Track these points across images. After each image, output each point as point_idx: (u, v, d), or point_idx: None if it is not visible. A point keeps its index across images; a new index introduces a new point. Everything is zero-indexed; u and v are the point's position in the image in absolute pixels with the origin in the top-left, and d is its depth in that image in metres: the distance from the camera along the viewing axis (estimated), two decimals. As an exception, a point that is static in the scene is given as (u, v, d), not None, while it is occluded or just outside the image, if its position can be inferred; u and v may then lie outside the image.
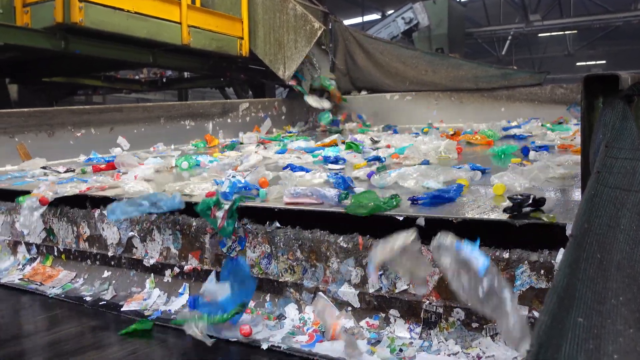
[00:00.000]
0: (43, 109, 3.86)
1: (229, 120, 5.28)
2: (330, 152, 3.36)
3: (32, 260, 2.44)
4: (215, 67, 6.05)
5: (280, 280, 1.77)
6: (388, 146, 3.59)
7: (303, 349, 1.54)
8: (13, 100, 6.37)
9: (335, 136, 4.10)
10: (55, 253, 2.37)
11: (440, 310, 1.50)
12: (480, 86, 5.69)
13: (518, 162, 2.55)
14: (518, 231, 1.42)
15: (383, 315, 1.60)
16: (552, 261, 1.35)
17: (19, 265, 2.45)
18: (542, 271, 1.37)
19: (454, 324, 1.48)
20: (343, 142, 3.74)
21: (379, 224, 1.63)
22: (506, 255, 1.41)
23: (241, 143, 4.56)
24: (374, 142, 3.91)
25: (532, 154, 2.86)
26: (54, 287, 2.17)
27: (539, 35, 18.98)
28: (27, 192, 2.48)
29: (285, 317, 1.72)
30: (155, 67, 6.63)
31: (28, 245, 2.47)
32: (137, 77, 7.98)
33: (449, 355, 1.44)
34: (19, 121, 3.54)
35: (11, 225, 2.53)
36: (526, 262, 1.39)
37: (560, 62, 20.22)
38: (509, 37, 17.64)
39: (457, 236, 1.49)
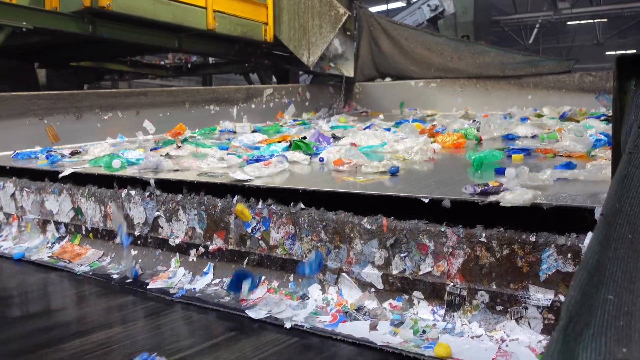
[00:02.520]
0: (71, 91, 3.92)
1: (253, 106, 5.29)
2: (266, 152, 2.79)
3: (61, 238, 2.49)
4: (240, 52, 6.06)
5: (304, 260, 1.78)
6: (353, 144, 2.84)
7: (326, 328, 1.55)
8: (42, 84, 6.48)
9: (295, 130, 3.73)
10: (83, 232, 2.42)
11: (464, 292, 1.50)
12: (507, 73, 5.61)
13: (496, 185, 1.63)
14: (545, 215, 1.41)
15: (406, 297, 1.60)
16: (580, 245, 1.33)
17: (48, 243, 2.50)
18: (569, 255, 1.35)
19: (477, 306, 1.48)
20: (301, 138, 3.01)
21: (403, 206, 1.63)
22: (532, 238, 1.40)
23: (234, 132, 4.24)
24: (336, 138, 3.30)
25: (509, 172, 1.75)
26: (81, 265, 2.22)
27: (568, 23, 18.61)
28: (56, 173, 2.54)
29: (309, 298, 1.73)
30: (181, 52, 6.66)
31: (57, 224, 2.52)
32: (162, 62, 8.03)
33: (472, 337, 1.44)
34: (48, 103, 3.60)
35: (41, 205, 2.58)
36: (553, 245, 1.37)
37: (589, 52, 19.81)
38: (537, 26, 17.33)
39: (484, 219, 1.49)
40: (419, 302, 1.57)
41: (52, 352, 1.48)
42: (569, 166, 1.98)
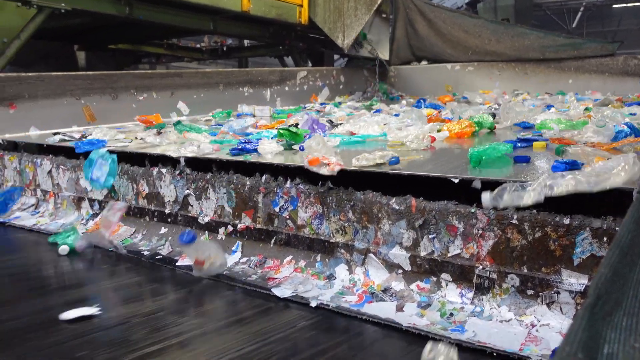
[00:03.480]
0: (108, 72, 3.98)
1: (286, 89, 5.28)
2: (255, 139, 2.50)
3: (95, 215, 2.54)
4: (275, 35, 6.05)
5: (331, 240, 1.77)
6: (352, 133, 2.67)
7: (352, 308, 1.54)
8: (81, 66, 6.60)
9: (298, 116, 3.28)
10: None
11: (494, 275, 1.46)
12: (547, 56, 5.45)
13: None
14: (580, 197, 1.35)
15: (434, 279, 1.57)
16: (616, 228, 1.28)
17: (82, 220, 2.55)
18: (604, 238, 1.30)
19: (507, 290, 1.44)
20: (294, 125, 2.74)
21: (432, 186, 1.59)
22: (566, 221, 1.35)
23: (253, 115, 4.07)
24: (333, 125, 2.98)
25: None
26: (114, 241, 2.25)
27: (614, 6, 17.96)
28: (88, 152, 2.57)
29: (335, 278, 1.72)
30: (216, 34, 6.68)
31: (91, 201, 2.57)
32: (198, 45, 8.08)
33: (501, 322, 1.41)
34: (85, 84, 3.65)
35: (76, 182, 2.63)
36: (588, 228, 1.32)
37: (636, 36, 19.09)
38: (581, 9, 16.79)
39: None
40: (447, 285, 1.54)
41: (90, 322, 1.52)
42: (572, 165, 1.59)
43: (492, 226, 1.45)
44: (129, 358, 1.29)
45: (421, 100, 4.67)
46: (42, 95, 3.40)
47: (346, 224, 1.73)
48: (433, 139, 2.35)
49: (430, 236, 1.56)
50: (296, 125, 2.66)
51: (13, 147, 3.13)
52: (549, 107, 3.72)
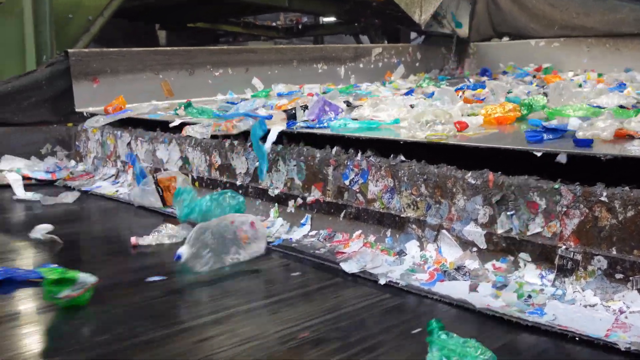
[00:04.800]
0: (185, 48, 4.05)
1: (360, 65, 5.19)
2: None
3: (170, 186, 2.59)
4: (351, 11, 5.96)
5: (402, 215, 1.71)
6: (371, 119, 2.21)
7: (422, 287, 1.48)
8: (162, 45, 6.80)
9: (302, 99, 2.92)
10: (190, 180, 2.50)
11: (579, 257, 1.35)
12: (644, 31, 5.04)
13: None
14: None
15: (512, 258, 1.48)
16: None
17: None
18: None
19: (593, 273, 1.33)
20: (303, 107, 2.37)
21: (511, 160, 1.50)
22: (664, 199, 1.23)
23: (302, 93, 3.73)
24: (350, 106, 2.49)
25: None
26: (187, 212, 2.29)
27: None
28: (167, 123, 2.63)
29: (406, 254, 1.66)
30: (291, 11, 6.67)
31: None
32: (274, 24, 8.11)
33: (585, 306, 1.30)
34: (164, 59, 3.74)
35: (152, 154, 2.70)
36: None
37: None
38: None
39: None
40: (525, 265, 1.45)
41: (161, 284, 1.56)
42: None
43: (577, 203, 1.34)
44: (203, 320, 1.31)
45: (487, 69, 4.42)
46: (123, 70, 3.50)
47: (418, 199, 1.67)
48: (463, 126, 1.88)
49: (508, 213, 1.47)
50: (305, 107, 2.33)
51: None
52: (620, 86, 3.04)
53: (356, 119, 2.11)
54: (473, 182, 1.53)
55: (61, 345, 1.21)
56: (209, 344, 1.19)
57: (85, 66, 3.35)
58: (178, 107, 2.86)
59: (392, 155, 1.74)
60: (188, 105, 2.77)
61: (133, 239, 1.89)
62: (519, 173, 1.47)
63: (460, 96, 2.71)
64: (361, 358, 1.13)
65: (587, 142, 1.49)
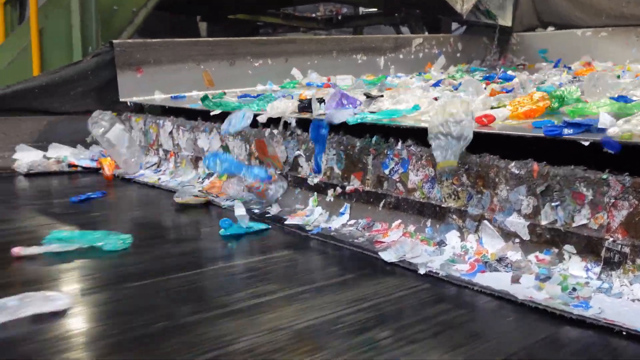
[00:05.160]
0: (226, 38, 4.08)
1: (400, 56, 5.14)
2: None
3: (210, 174, 2.62)
4: (391, 1, 5.90)
5: (442, 205, 1.69)
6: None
7: (463, 277, 1.46)
8: (203, 37, 6.88)
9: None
10: (230, 168, 2.52)
11: (627, 250, 1.31)
12: (699, 19, 4.84)
13: None
14: None
15: (556, 250, 1.45)
16: None
17: (199, 178, 2.66)
18: None
19: (642, 266, 1.29)
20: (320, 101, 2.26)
21: (557, 150, 1.46)
22: None
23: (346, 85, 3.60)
24: (370, 98, 2.30)
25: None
26: (227, 200, 2.31)
27: None
28: (208, 112, 2.66)
29: (446, 244, 1.64)
30: (331, 1, 6.65)
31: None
32: (313, 15, 8.10)
33: (633, 300, 1.26)
34: (205, 50, 3.78)
35: (194, 142, 2.74)
36: None
37: None
38: None
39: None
40: (570, 257, 1.42)
41: (202, 272, 1.59)
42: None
43: (627, 194, 1.30)
44: (240, 305, 1.32)
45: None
46: (166, 61, 3.56)
47: (459, 189, 1.64)
48: (489, 120, 1.76)
49: (553, 204, 1.44)
50: (322, 99, 2.23)
51: (139, 109, 3.33)
52: None
53: (374, 112, 2.04)
54: (517, 172, 1.50)
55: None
56: (245, 329, 1.20)
57: (129, 57, 3.41)
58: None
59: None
60: (205, 98, 2.80)
61: None
62: (558, 164, 1.43)
63: (485, 87, 2.56)
64: (400, 347, 1.13)
65: (616, 146, 1.34)
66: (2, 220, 2.13)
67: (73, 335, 1.19)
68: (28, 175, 2.90)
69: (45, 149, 3.15)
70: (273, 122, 2.31)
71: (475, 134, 1.61)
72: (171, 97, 3.32)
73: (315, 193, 2.09)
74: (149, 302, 1.36)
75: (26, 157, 3.04)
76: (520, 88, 2.50)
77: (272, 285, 1.46)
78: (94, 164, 3.07)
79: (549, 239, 1.45)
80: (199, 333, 1.17)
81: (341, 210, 1.97)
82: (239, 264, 1.66)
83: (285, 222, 1.97)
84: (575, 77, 3.09)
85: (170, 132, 2.90)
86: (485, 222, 1.58)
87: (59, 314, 1.26)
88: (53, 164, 3.02)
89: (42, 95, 3.23)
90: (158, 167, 2.96)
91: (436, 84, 3.22)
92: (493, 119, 1.77)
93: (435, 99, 2.21)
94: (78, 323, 1.26)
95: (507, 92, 2.41)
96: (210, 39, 3.97)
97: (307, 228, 1.91)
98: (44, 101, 3.24)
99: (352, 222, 1.91)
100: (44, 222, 2.09)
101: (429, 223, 1.72)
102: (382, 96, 2.32)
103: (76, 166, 3.04)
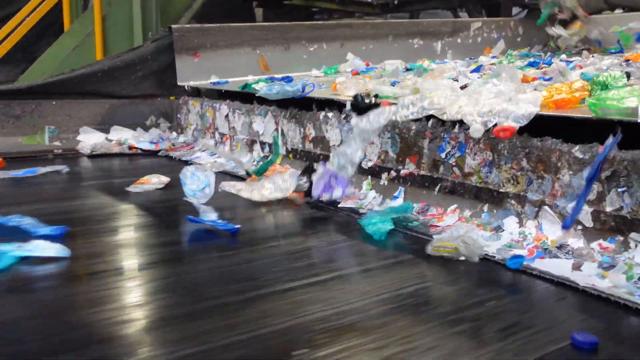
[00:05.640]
0: (281, 23, 4.09)
1: (458, 40, 5.02)
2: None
3: (265, 158, 2.65)
4: (449, -16, 5.76)
5: (500, 190, 1.65)
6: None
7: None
8: (259, 23, 6.93)
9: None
10: (284, 152, 2.54)
11: (699, 239, 1.24)
12: None
13: None
14: None
15: (621, 238, 1.38)
16: None
17: (253, 161, 2.68)
18: None
19: None
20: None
21: (627, 133, 1.39)
22: None
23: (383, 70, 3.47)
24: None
25: None
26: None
27: None
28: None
29: (503, 230, 1.60)
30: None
31: (262, 144, 2.68)
32: (369, 0, 8.01)
33: (703, 292, 1.20)
34: (261, 34, 3.80)
35: (249, 126, 2.77)
36: None
37: None
38: None
39: None
40: (636, 246, 1.35)
41: (264, 248, 1.63)
42: None
43: (701, 180, 1.23)
44: (293, 284, 1.33)
45: None
46: (222, 45, 3.60)
47: (519, 173, 1.59)
48: (507, 133, 1.58)
49: (619, 190, 1.37)
50: (311, 170, 2.11)
51: (196, 93, 3.38)
52: None
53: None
54: (581, 156, 1.44)
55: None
56: (304, 306, 1.21)
57: (187, 41, 3.47)
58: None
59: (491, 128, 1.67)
60: (246, 86, 2.84)
61: None
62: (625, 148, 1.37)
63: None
64: (452, 327, 1.11)
65: None
66: (67, 198, 2.22)
67: (130, 306, 1.23)
68: (91, 156, 3.01)
69: (107, 131, 3.26)
70: (327, 104, 2.30)
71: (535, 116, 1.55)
72: (211, 82, 3.35)
73: (369, 176, 2.07)
74: (207, 277, 1.39)
75: (89, 139, 3.15)
76: (559, 75, 2.29)
77: (324, 266, 1.46)
78: (152, 147, 3.15)
79: (613, 227, 1.39)
80: (253, 309, 1.19)
81: (395, 194, 1.95)
82: (298, 241, 1.67)
83: (339, 206, 1.96)
84: (627, 62, 2.88)
85: (226, 116, 2.94)
86: (546, 207, 1.53)
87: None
88: (114, 146, 3.12)
89: (105, 79, 3.33)
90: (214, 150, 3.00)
91: (476, 70, 3.11)
92: (513, 131, 1.59)
93: (463, 87, 2.10)
94: (137, 295, 1.30)
95: (544, 80, 2.24)
96: (265, 23, 4.00)
97: (361, 211, 1.90)
98: (106, 85, 3.34)
99: (407, 206, 1.88)
100: (106, 201, 2.16)
101: (485, 208, 1.68)
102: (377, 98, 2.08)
103: (136, 148, 3.13)
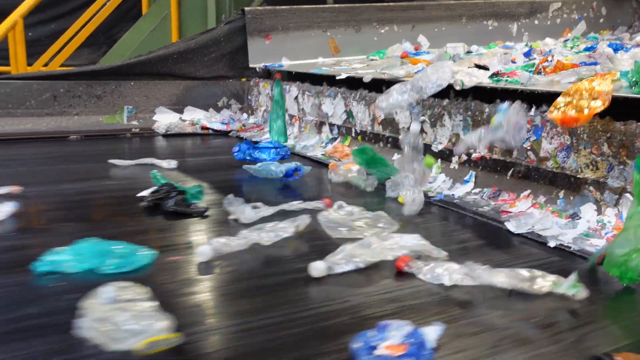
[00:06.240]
0: (352, 5, 4.06)
1: (536, 22, 4.82)
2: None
3: (333, 139, 2.66)
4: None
5: (578, 176, 1.58)
6: None
7: (598, 253, 1.36)
8: (330, 5, 6.90)
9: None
10: (353, 134, 2.54)
11: None
12: None
13: None
14: None
15: None
16: None
17: (322, 143, 2.70)
18: None
19: None
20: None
21: None
22: None
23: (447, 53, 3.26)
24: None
25: None
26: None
27: None
28: (333, 77, 2.68)
29: (580, 218, 1.54)
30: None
31: (331, 125, 2.69)
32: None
33: None
34: (331, 16, 3.79)
35: (318, 107, 2.78)
36: None
37: None
38: None
39: None
40: None
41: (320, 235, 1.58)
42: None
43: None
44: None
45: None
46: (293, 28, 3.62)
47: (599, 159, 1.52)
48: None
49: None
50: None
51: (267, 75, 3.43)
52: None
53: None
54: (668, 141, 1.36)
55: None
56: (366, 287, 1.21)
57: (259, 23, 3.51)
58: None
59: (571, 111, 1.60)
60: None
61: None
62: None
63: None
64: (529, 318, 1.08)
65: None
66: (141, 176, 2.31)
67: (197, 280, 1.27)
68: (165, 135, 3.12)
69: (181, 111, 3.36)
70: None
71: (614, 99, 1.47)
72: (264, 65, 3.35)
73: (439, 160, 2.04)
74: (274, 255, 1.41)
75: (164, 119, 3.26)
76: (607, 61, 2.04)
77: None
78: (224, 127, 3.23)
79: (703, 217, 1.30)
80: (319, 287, 1.21)
81: (466, 177, 1.91)
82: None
83: (406, 188, 1.94)
84: None
85: (296, 97, 2.96)
86: (628, 195, 1.45)
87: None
88: (188, 126, 3.21)
89: (180, 61, 3.42)
90: (283, 131, 3.04)
91: (527, 54, 2.95)
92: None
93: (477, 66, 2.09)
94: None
95: (586, 65, 2.00)
96: (336, 5, 3.97)
97: (429, 194, 1.87)
98: (181, 66, 3.44)
99: (477, 190, 1.84)
100: (179, 178, 2.23)
101: (561, 194, 1.62)
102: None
103: (208, 129, 3.21)
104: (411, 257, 1.27)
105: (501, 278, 1.16)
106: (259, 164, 2.17)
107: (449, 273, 1.20)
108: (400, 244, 1.33)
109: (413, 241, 1.34)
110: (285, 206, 1.69)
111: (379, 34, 3.98)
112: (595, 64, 2.02)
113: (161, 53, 3.42)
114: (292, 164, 2.09)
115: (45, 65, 4.93)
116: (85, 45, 5.33)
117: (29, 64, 4.62)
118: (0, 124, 2.99)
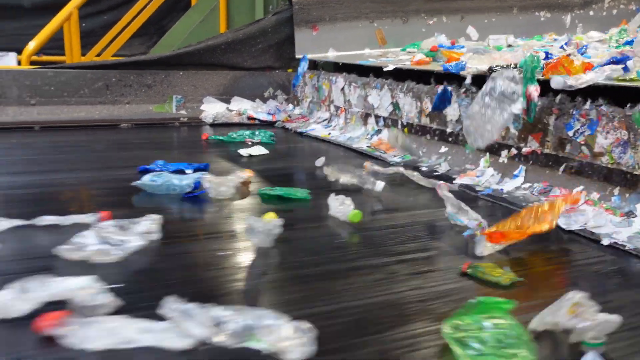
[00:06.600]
0: (400, -5, 4.01)
1: (591, 13, 4.66)
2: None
3: (379, 131, 2.64)
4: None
5: (635, 173, 1.52)
6: None
7: (655, 252, 1.31)
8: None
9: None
10: (399, 126, 2.51)
11: None
12: None
13: None
14: None
15: None
16: None
17: (367, 134, 2.69)
18: None
19: None
20: None
21: None
22: None
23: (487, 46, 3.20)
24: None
25: None
26: (395, 156, 2.32)
27: None
28: (380, 69, 2.66)
29: (636, 215, 1.48)
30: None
31: (377, 117, 2.68)
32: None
33: None
34: (379, 7, 3.75)
35: (364, 99, 2.77)
36: None
37: None
38: None
39: None
40: None
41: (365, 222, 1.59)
42: None
43: None
44: (386, 259, 1.32)
45: None
46: (340, 18, 3.60)
47: (658, 155, 1.47)
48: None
49: None
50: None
51: (313, 66, 3.43)
52: None
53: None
54: None
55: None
56: (401, 280, 1.20)
57: (306, 14, 3.51)
58: None
59: (628, 105, 1.54)
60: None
61: None
62: None
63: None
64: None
65: None
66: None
67: (241, 267, 1.29)
68: (213, 125, 3.16)
69: (228, 101, 3.40)
70: (446, 78, 2.24)
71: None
72: (301, 58, 3.32)
73: (487, 153, 2.00)
74: (313, 246, 1.42)
75: (212, 109, 3.31)
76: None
77: (417, 243, 1.43)
78: (269, 118, 3.25)
79: None
80: (356, 279, 1.21)
81: (515, 172, 1.87)
82: (401, 215, 1.66)
83: (454, 182, 1.92)
84: None
85: (342, 89, 2.96)
86: (688, 193, 1.39)
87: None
88: (234, 116, 3.25)
89: (227, 51, 3.46)
90: (328, 122, 3.04)
91: (562, 47, 2.83)
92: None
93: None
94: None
95: (616, 61, 1.75)
96: (384, -5, 3.93)
97: (477, 189, 1.84)
98: (229, 57, 3.48)
99: (527, 185, 1.80)
100: (227, 166, 2.27)
101: (616, 191, 1.57)
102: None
103: (254, 119, 3.24)
104: None
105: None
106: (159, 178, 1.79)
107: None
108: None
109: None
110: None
111: (427, 25, 3.92)
112: (627, 58, 1.73)
113: (210, 43, 3.47)
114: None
115: (98, 55, 5.07)
116: (137, 36, 5.44)
117: (83, 54, 4.75)
118: (55, 112, 3.10)
